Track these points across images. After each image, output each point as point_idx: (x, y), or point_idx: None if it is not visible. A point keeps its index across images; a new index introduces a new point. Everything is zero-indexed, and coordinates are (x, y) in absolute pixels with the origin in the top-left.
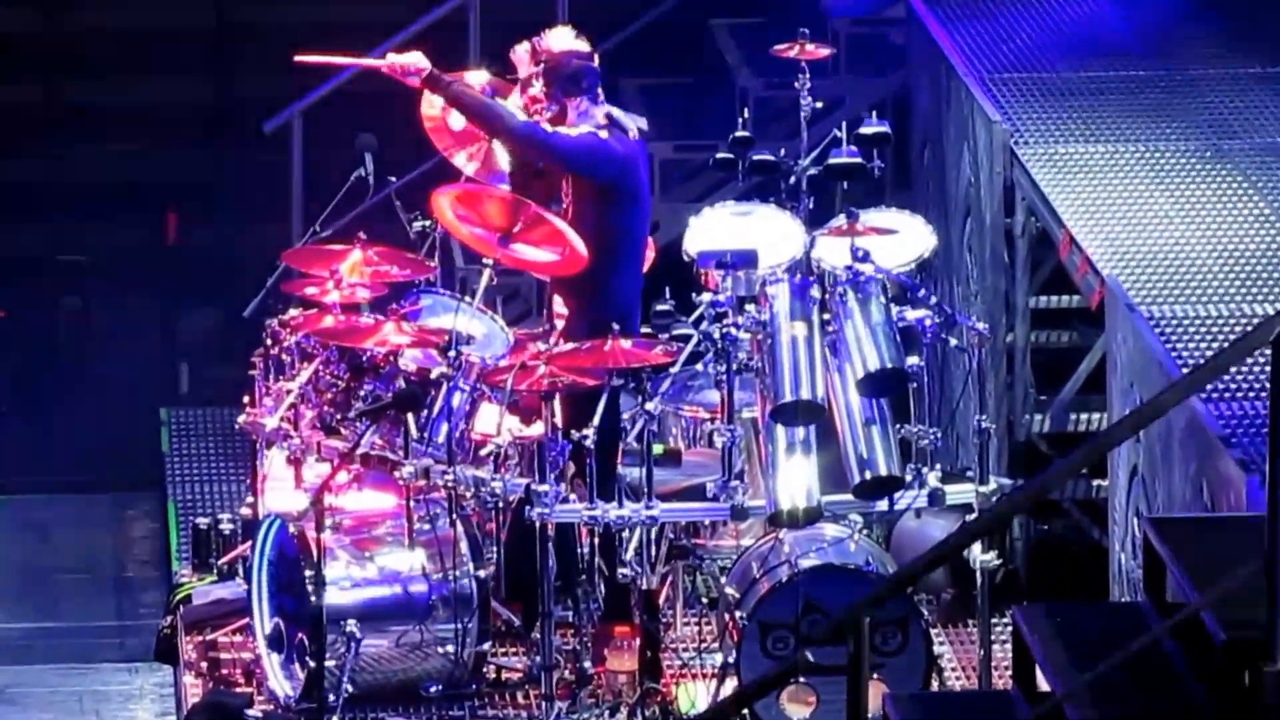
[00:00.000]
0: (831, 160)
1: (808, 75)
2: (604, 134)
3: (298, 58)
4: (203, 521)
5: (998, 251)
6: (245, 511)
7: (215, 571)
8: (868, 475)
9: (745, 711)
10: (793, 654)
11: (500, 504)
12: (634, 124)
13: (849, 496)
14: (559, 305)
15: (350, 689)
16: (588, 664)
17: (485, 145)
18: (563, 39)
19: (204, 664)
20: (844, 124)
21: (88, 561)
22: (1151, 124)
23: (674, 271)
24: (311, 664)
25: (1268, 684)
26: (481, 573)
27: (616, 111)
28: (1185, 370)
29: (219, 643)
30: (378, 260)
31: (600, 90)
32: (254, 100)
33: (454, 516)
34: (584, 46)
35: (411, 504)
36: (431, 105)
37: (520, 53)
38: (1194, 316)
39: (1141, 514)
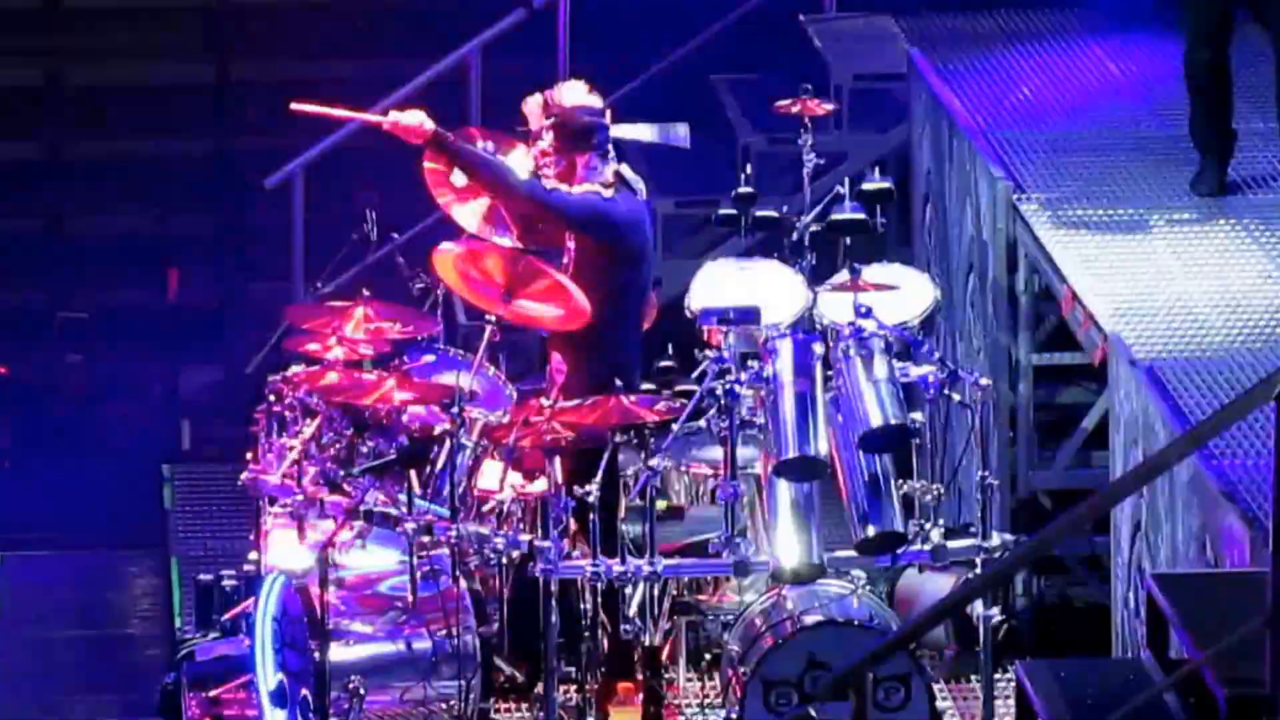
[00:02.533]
0: (834, 216)
1: (810, 130)
2: (609, 192)
3: (294, 105)
4: (205, 578)
5: (1000, 307)
6: (248, 568)
7: (218, 628)
8: (870, 531)
9: None
10: (796, 711)
11: (503, 560)
12: (641, 184)
13: (852, 552)
14: (557, 361)
15: None
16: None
17: (487, 199)
18: (575, 93)
19: None
20: (846, 180)
21: (90, 619)
22: (1154, 179)
23: (676, 327)
24: None
25: None
26: (484, 629)
27: (626, 170)
28: (1189, 425)
29: (222, 699)
30: (380, 317)
31: (610, 147)
32: (255, 156)
33: (457, 573)
34: (596, 102)
35: (415, 560)
36: (434, 158)
37: (532, 105)
38: (1197, 372)
39: (1144, 570)
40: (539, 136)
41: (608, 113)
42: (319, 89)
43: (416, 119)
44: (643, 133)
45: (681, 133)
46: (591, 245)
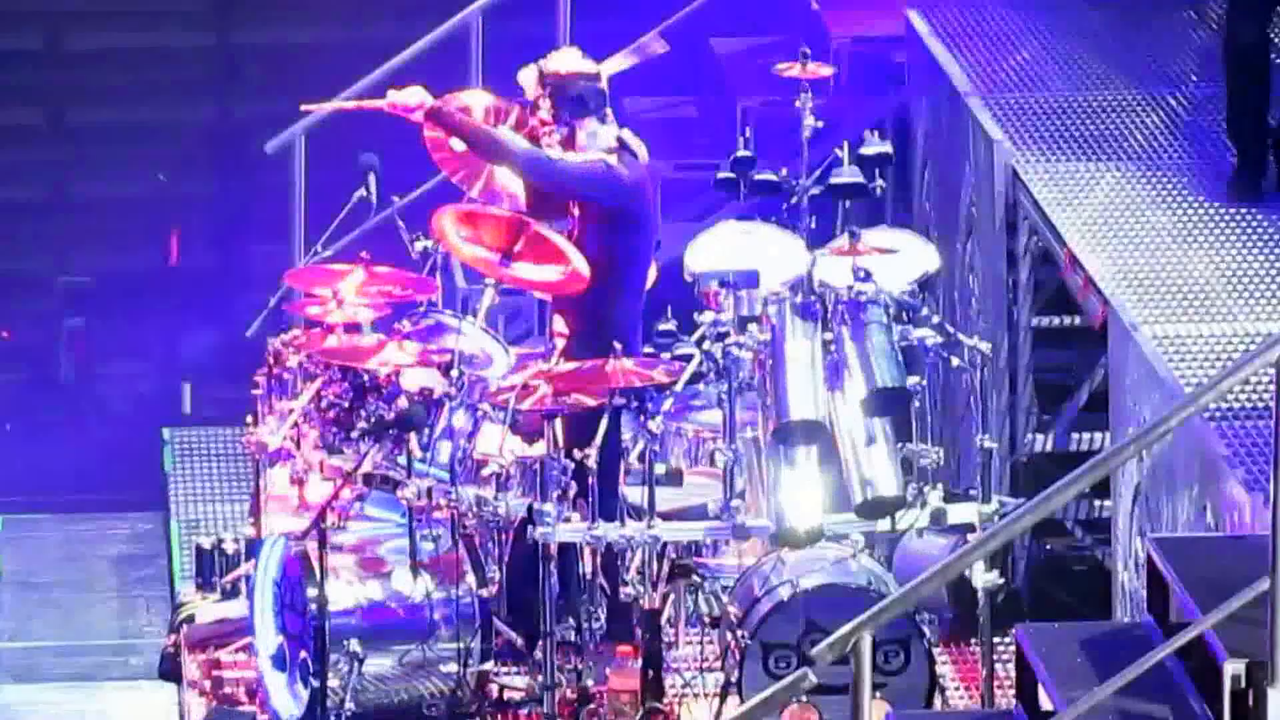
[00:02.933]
0: (833, 179)
1: (809, 94)
2: (612, 159)
3: (304, 106)
4: (206, 541)
5: (999, 271)
6: (248, 531)
7: (218, 591)
8: (870, 495)
9: None
10: (795, 674)
11: (502, 524)
12: (643, 148)
13: (851, 516)
14: (559, 325)
15: (353, 708)
16: (590, 683)
17: (487, 165)
18: (569, 61)
19: (207, 683)
20: (845, 143)
21: (91, 581)
22: (1154, 143)
23: (676, 291)
24: (314, 683)
25: (1272, 705)
26: (484, 592)
27: (627, 134)
28: (1188, 390)
29: (222, 662)
30: (380, 280)
31: (609, 111)
32: (255, 120)
33: (456, 536)
34: (591, 67)
35: (414, 524)
36: (435, 130)
37: (527, 75)
38: (1197, 336)
39: (1145, 534)
40: (536, 106)
41: (604, 77)
42: (319, 54)
43: (416, 97)
44: (621, 62)
45: (658, 48)
46: (596, 211)
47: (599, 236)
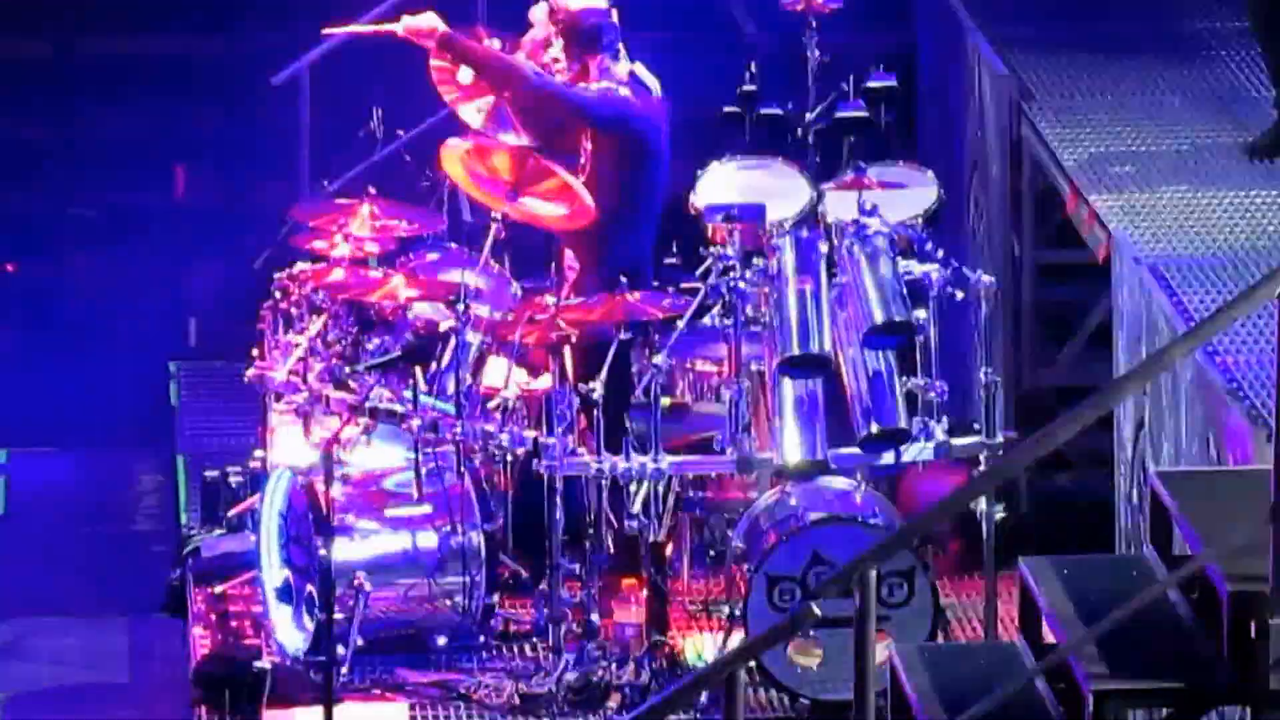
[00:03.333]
0: (838, 114)
1: (815, 29)
2: (625, 91)
3: (325, 30)
4: (211, 474)
5: (1004, 206)
6: (254, 464)
7: (224, 524)
8: (874, 428)
9: (752, 663)
10: (799, 606)
11: (508, 457)
12: (655, 82)
13: (855, 449)
14: (570, 260)
15: (359, 641)
16: (595, 616)
17: (494, 98)
18: None
19: (213, 616)
20: (851, 78)
21: (97, 515)
22: (1158, 78)
23: (681, 225)
24: (320, 617)
25: (1274, 636)
26: (489, 526)
27: (639, 68)
28: (1192, 323)
29: (228, 595)
30: (386, 214)
31: (621, 46)
32: (261, 54)
33: (462, 470)
34: (601, 3)
35: (420, 457)
36: (442, 56)
37: (538, 12)
38: (1201, 269)
39: (1148, 467)
40: (548, 43)
41: (614, 12)
42: None
43: (429, 22)
44: None
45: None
46: (609, 143)
47: (612, 170)
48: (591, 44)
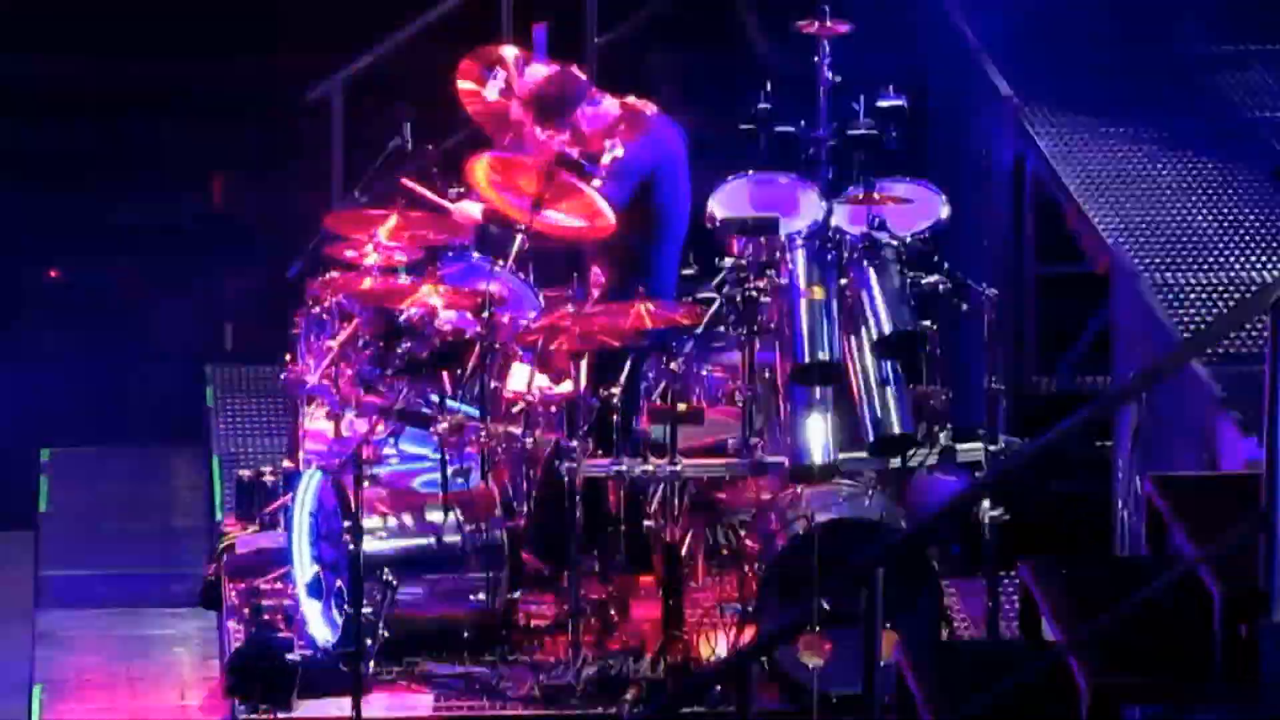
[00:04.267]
0: (849, 132)
1: (828, 50)
2: (619, 150)
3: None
4: (245, 474)
5: (1007, 220)
6: (286, 464)
7: (257, 522)
8: (882, 433)
9: (764, 659)
10: (810, 605)
11: (530, 459)
12: (650, 106)
13: (864, 454)
14: (595, 274)
15: (386, 634)
16: (613, 612)
17: (521, 127)
18: (533, 74)
19: (246, 610)
20: (862, 97)
21: (136, 512)
22: (1157, 99)
23: (698, 237)
24: (349, 610)
25: (1264, 635)
26: (512, 524)
27: (631, 99)
28: (1186, 335)
29: (261, 590)
30: (415, 225)
31: (593, 90)
32: (297, 70)
33: (486, 470)
34: (551, 69)
35: (446, 458)
36: (468, 82)
37: (515, 110)
38: (1196, 284)
39: (1144, 472)
40: (546, 129)
41: (569, 67)
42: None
43: (473, 212)
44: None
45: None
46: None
47: (635, 201)
48: (563, 107)
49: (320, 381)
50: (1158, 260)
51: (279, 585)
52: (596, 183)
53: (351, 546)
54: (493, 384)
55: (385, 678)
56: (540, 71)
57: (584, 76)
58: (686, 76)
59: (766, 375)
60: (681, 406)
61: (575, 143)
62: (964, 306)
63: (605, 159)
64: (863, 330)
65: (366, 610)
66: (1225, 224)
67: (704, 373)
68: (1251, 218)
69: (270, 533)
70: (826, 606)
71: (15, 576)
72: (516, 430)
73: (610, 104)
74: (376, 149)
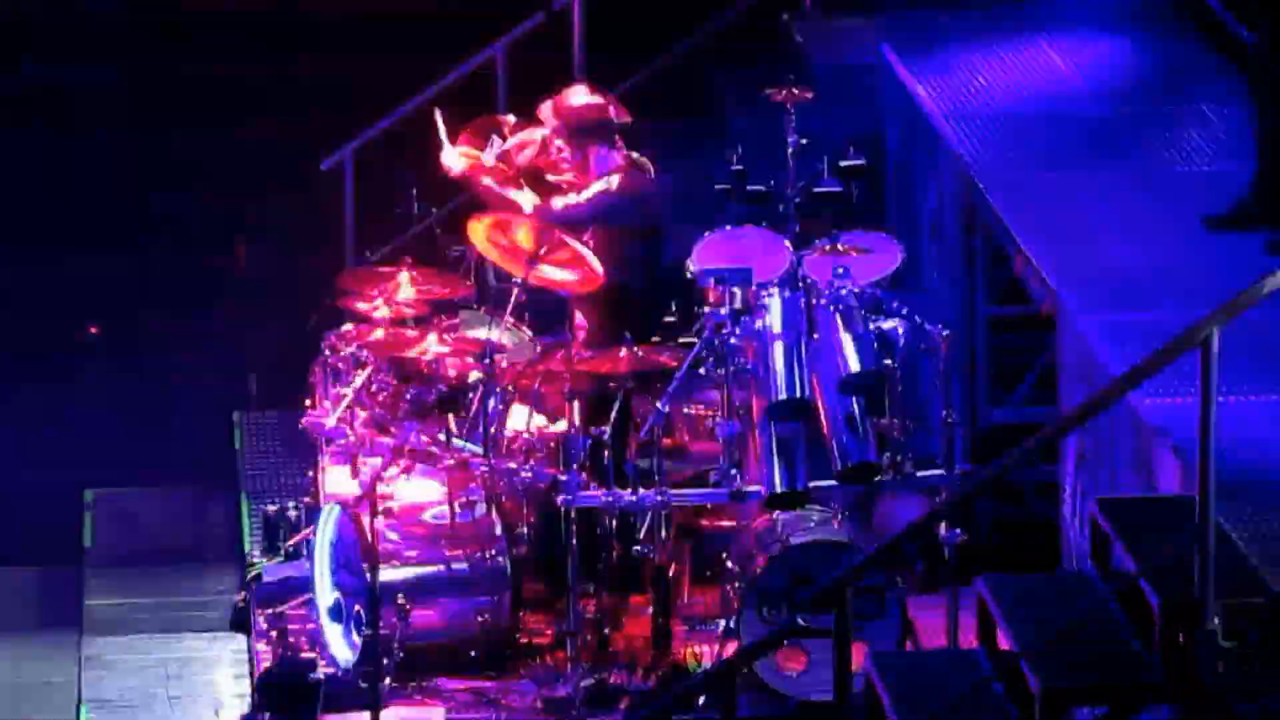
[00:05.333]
0: (815, 190)
1: (794, 115)
2: (614, 183)
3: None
4: (271, 509)
5: (960, 267)
6: (308, 500)
7: (282, 553)
8: (849, 463)
9: (745, 670)
10: (785, 620)
11: (530, 491)
12: (649, 165)
13: (832, 481)
14: (580, 320)
15: (401, 654)
16: (608, 630)
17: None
18: (579, 95)
19: (274, 633)
20: (825, 158)
21: (172, 546)
22: (1095, 155)
23: (679, 287)
24: (368, 633)
25: (1199, 641)
26: (514, 552)
27: (635, 155)
28: (1124, 369)
29: (287, 615)
30: (421, 281)
31: (618, 137)
32: (311, 141)
33: (490, 503)
34: (599, 100)
35: (453, 492)
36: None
37: (545, 110)
38: (1132, 323)
39: (1088, 494)
40: (549, 143)
41: (610, 107)
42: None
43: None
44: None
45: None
46: (606, 229)
47: (611, 245)
48: (593, 136)
49: (337, 425)
50: (1097, 302)
51: (303, 610)
52: (590, 191)
53: (368, 575)
54: (494, 424)
55: (401, 693)
56: (583, 93)
57: (626, 118)
58: (667, 141)
59: (743, 412)
60: (667, 441)
61: (576, 168)
62: (921, 346)
63: (598, 185)
64: (829, 370)
65: (383, 633)
66: (1158, 269)
67: (687, 410)
68: (1182, 263)
69: (294, 563)
70: (801, 621)
71: (64, 606)
72: (516, 465)
73: (620, 152)
74: (385, 212)
